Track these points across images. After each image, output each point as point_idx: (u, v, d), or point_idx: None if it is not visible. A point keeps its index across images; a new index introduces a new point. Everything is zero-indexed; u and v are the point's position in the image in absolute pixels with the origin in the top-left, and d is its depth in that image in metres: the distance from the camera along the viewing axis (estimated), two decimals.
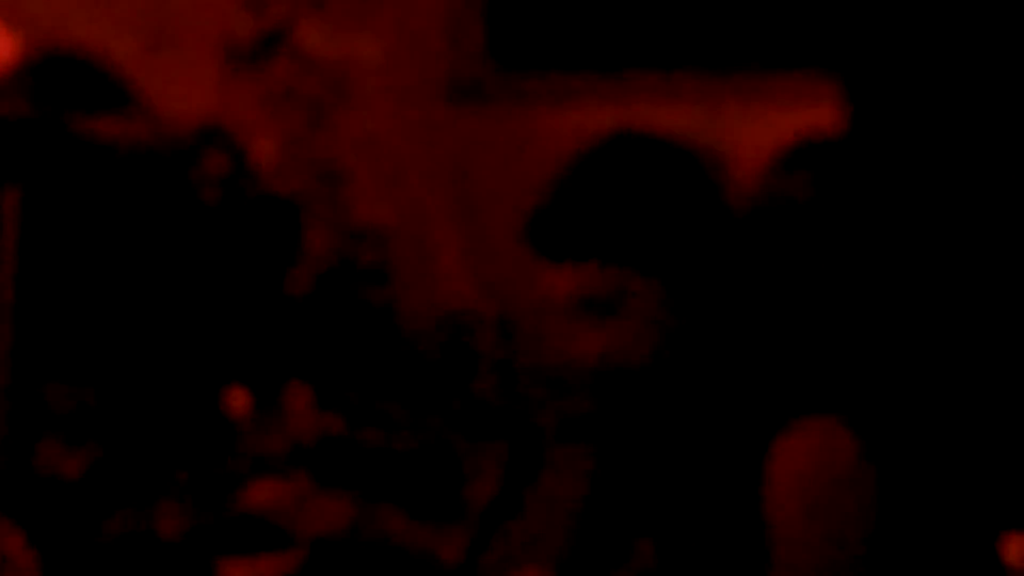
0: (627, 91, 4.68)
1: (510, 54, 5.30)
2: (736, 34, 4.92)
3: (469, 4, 5.17)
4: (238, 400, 3.14)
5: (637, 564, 2.21)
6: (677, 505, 2.17)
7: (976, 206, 2.19)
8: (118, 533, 2.84)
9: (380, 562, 3.41)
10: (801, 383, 2.08)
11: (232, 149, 4.67)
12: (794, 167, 2.82)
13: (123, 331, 2.93)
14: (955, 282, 2.17)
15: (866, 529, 1.99)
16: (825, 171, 2.79)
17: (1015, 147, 1.98)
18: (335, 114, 5.49)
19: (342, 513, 3.50)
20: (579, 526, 2.36)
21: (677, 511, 2.18)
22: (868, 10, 1.96)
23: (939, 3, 1.79)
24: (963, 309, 2.21)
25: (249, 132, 4.77)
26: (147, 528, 2.86)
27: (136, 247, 2.91)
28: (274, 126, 5.32)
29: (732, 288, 2.15)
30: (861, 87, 1.85)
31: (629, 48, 5.13)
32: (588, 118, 2.26)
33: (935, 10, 1.78)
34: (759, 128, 2.95)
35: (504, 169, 5.08)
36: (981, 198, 2.28)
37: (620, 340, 2.09)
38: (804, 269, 2.36)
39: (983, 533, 2.35)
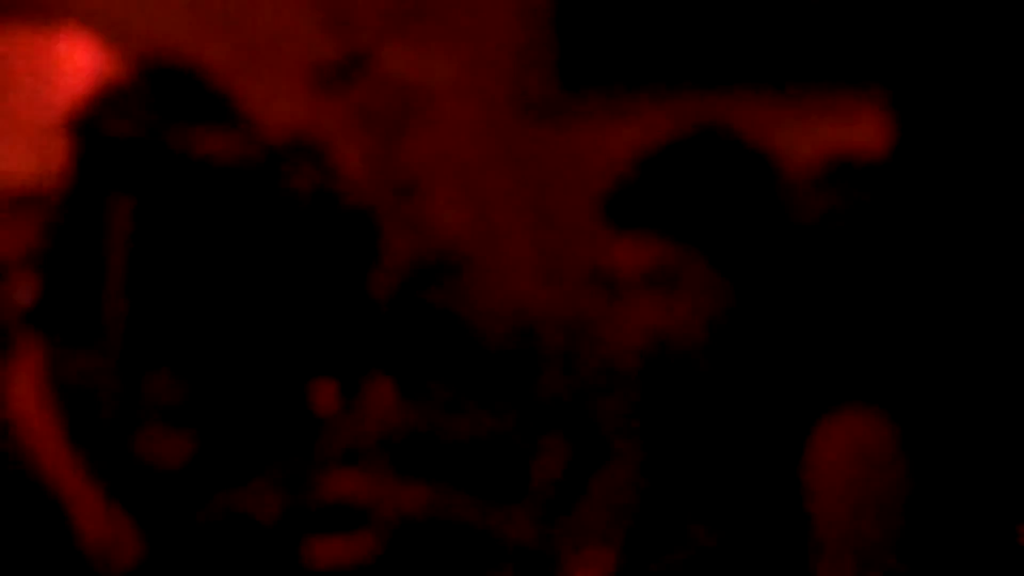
0: (685, 107, 4.64)
1: (576, 73, 5.29)
2: (791, 52, 4.90)
3: (539, 27, 5.12)
4: (325, 393, 3.16)
5: (691, 547, 2.26)
6: (726, 490, 2.21)
7: (1006, 219, 2.22)
8: (215, 516, 2.90)
9: (453, 544, 3.39)
10: (842, 374, 2.09)
11: (319, 162, 4.73)
12: (841, 178, 2.75)
13: (220, 328, 2.94)
14: (988, 290, 2.18)
15: (901, 514, 2.00)
16: (871, 181, 2.74)
17: None
18: (414, 130, 5.51)
19: (419, 498, 3.49)
20: (637, 511, 2.39)
21: (726, 496, 2.21)
22: (919, 33, 1.98)
23: (985, 30, 1.80)
24: (993, 317, 2.24)
25: (335, 146, 4.80)
26: (243, 511, 2.93)
27: (233, 252, 2.94)
28: (358, 141, 5.35)
29: (783, 279, 2.16)
30: (910, 105, 1.88)
31: (687, 66, 5.11)
32: (647, 133, 2.33)
33: (981, 35, 1.80)
34: (810, 140, 3.02)
35: (570, 180, 5.06)
36: (1012, 212, 2.33)
37: (677, 313, 2.13)
38: (849, 271, 2.37)
39: (1008, 522, 2.31)
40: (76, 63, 5.37)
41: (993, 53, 1.80)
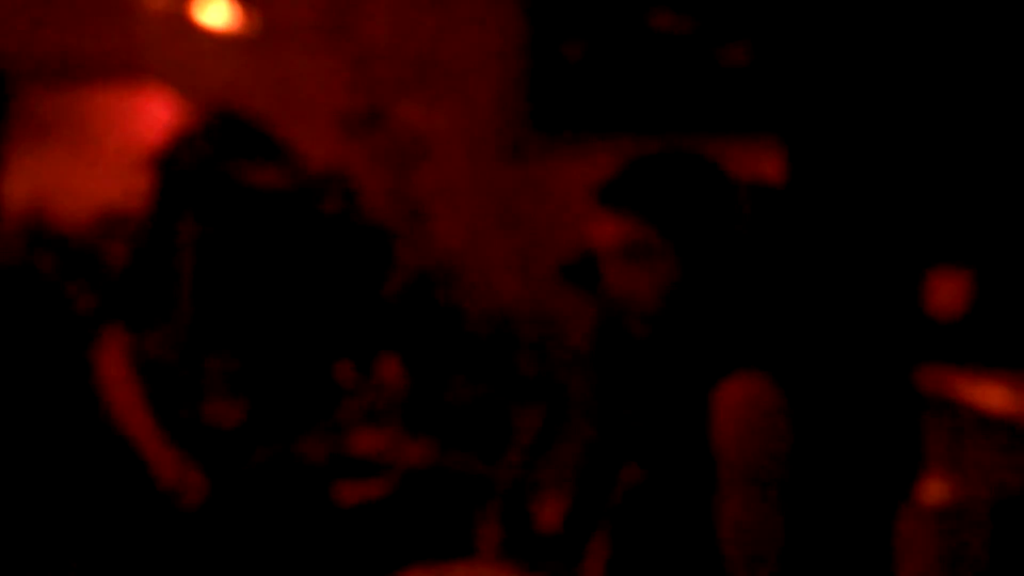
0: (625, 148, 4.53)
1: (543, 123, 5.35)
2: (711, 110, 4.97)
3: (515, 89, 5.12)
4: (347, 370, 3.20)
5: (627, 481, 2.31)
6: (657, 436, 2.23)
7: (868, 227, 2.22)
8: (261, 466, 2.90)
9: (448, 485, 3.42)
10: (739, 348, 2.09)
11: (346, 192, 4.76)
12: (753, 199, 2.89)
13: (267, 318, 2.94)
14: (854, 288, 2.19)
15: (782, 451, 2.01)
16: (769, 199, 2.76)
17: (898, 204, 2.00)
18: (419, 167, 5.54)
19: (421, 450, 3.50)
20: (588, 459, 2.42)
21: (657, 440, 2.23)
22: (809, 96, 2.01)
23: (859, 95, 1.82)
24: (856, 308, 2.25)
25: (359, 179, 4.85)
26: (286, 461, 2.94)
27: (277, 259, 2.93)
28: (376, 175, 5.37)
29: (723, 267, 2.14)
30: (799, 151, 1.88)
31: (627, 118, 5.16)
32: (596, 168, 2.35)
33: (856, 99, 1.82)
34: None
35: (538, 204, 5.11)
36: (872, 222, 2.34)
37: (643, 281, 2.12)
38: (755, 267, 2.32)
39: (866, 460, 2.34)
40: (156, 112, 5.38)
41: (852, 116, 1.81)
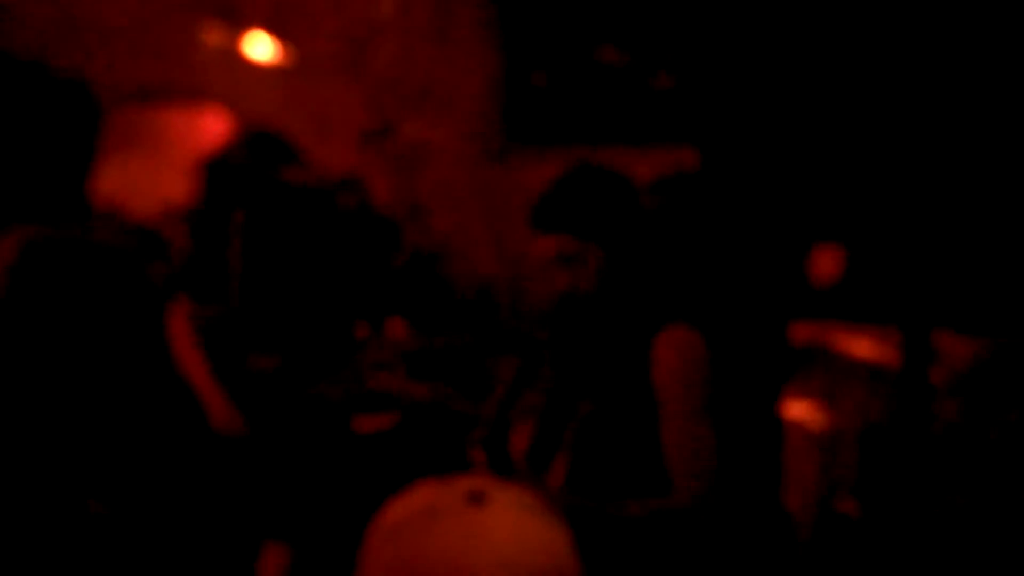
0: (582, 155, 4.48)
1: (515, 135, 5.33)
2: (644, 124, 4.94)
3: (494, 108, 5.15)
4: (362, 328, 3.17)
5: (581, 415, 2.26)
6: (604, 378, 2.20)
7: (769, 214, 2.17)
8: (296, 403, 2.84)
9: (444, 419, 3.33)
10: (671, 307, 2.11)
11: (361, 190, 4.70)
12: (661, 188, 2.76)
13: (299, 289, 2.87)
14: (754, 262, 2.13)
15: (706, 383, 2.04)
16: (684, 189, 2.75)
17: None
18: (420, 171, 5.50)
19: (423, 391, 3.38)
20: (550, 398, 2.38)
21: (604, 381, 2.21)
22: (719, 112, 1.97)
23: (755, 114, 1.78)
24: (755, 278, 2.20)
25: (371, 181, 4.78)
26: (317, 396, 2.88)
27: (307, 243, 2.86)
28: (385, 178, 5.36)
29: (637, 255, 2.17)
30: (710, 154, 1.87)
31: (582, 132, 5.14)
32: (559, 170, 2.30)
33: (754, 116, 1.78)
34: (648, 170, 3.03)
35: (512, 200, 4.79)
36: (774, 211, 2.30)
37: (577, 278, 2.15)
38: (674, 247, 2.37)
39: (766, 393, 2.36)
40: (212, 127, 5.30)
41: (752, 128, 1.76)
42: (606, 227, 2.13)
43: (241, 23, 5.85)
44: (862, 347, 4.14)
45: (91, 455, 1.32)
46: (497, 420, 2.23)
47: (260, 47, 5.60)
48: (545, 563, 0.98)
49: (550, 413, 2.35)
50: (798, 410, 3.70)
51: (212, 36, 5.67)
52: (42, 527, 1.21)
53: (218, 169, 2.80)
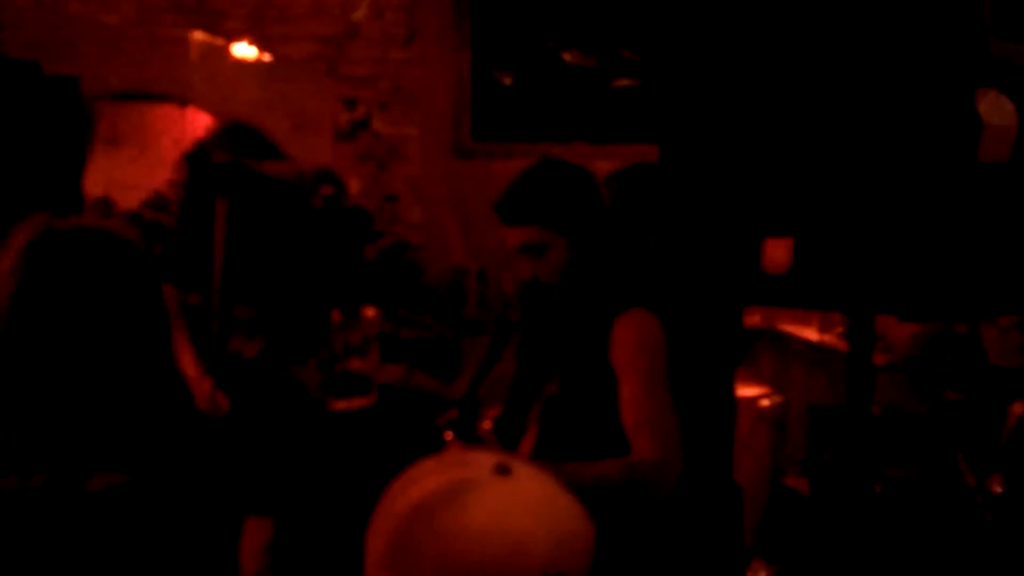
0: (547, 151, 4.53)
1: (483, 132, 5.28)
2: (606, 122, 4.94)
3: (463, 106, 5.14)
4: (337, 315, 3.12)
5: (548, 393, 2.27)
6: (568, 357, 2.20)
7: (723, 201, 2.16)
8: (274, 383, 2.76)
9: (416, 400, 3.40)
10: (630, 293, 2.10)
11: (336, 183, 4.66)
12: (620, 180, 2.74)
13: (278, 276, 2.81)
14: (711, 250, 2.12)
15: (664, 358, 2.03)
16: (647, 179, 2.76)
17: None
18: (392, 165, 5.47)
19: (396, 374, 3.46)
20: (519, 376, 2.37)
21: (568, 362, 2.20)
22: (678, 110, 1.95)
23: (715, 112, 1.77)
24: (711, 265, 2.20)
25: (345, 174, 4.77)
26: (295, 378, 2.80)
27: (285, 232, 2.81)
28: (359, 171, 5.34)
29: (598, 245, 2.15)
30: (669, 151, 1.85)
31: (548, 128, 5.11)
32: (524, 165, 2.29)
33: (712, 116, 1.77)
34: (612, 164, 3.03)
35: (480, 193, 4.91)
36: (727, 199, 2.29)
37: (540, 267, 2.14)
38: (631, 236, 2.35)
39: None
40: (195, 123, 5.27)
41: (709, 127, 1.76)
42: (570, 218, 2.12)
43: (223, 25, 5.82)
44: (809, 331, 4.17)
45: (96, 434, 1.29)
46: (467, 399, 2.19)
47: (242, 49, 5.57)
48: (572, 527, 1.00)
49: (517, 393, 2.33)
50: (749, 390, 3.72)
51: (195, 38, 5.63)
52: (45, 505, 1.19)
53: (200, 160, 2.73)
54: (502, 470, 1.01)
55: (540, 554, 0.95)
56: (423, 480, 1.02)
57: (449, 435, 2.24)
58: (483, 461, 1.03)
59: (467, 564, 0.95)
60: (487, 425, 2.23)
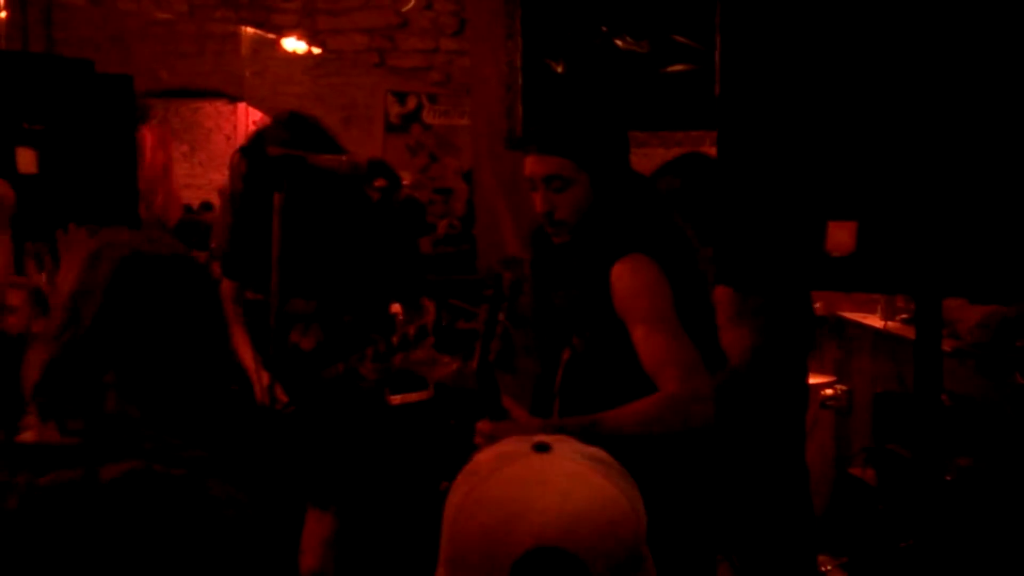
0: None
1: (535, 121, 5.22)
2: (659, 110, 4.90)
3: (513, 100, 5.10)
4: (396, 308, 3.14)
5: (565, 360, 2.21)
6: (579, 313, 2.17)
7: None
8: (332, 376, 2.80)
9: (467, 396, 3.38)
10: (627, 239, 2.10)
11: (390, 174, 4.69)
12: (672, 170, 2.80)
13: (335, 269, 2.83)
14: (774, 233, 2.11)
15: (668, 297, 2.02)
16: (702, 171, 2.78)
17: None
18: (444, 156, 5.51)
19: (449, 367, 3.60)
20: (539, 341, 2.35)
21: (581, 317, 2.17)
22: (734, 96, 1.93)
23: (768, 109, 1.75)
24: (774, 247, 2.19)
25: (398, 166, 4.81)
26: (353, 373, 2.82)
27: (341, 224, 2.82)
28: (411, 162, 5.37)
29: (617, 192, 2.14)
30: (726, 140, 1.84)
31: (601, 117, 5.08)
32: None
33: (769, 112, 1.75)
34: (665, 151, 3.00)
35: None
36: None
37: (562, 202, 2.13)
38: (650, 189, 2.30)
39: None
40: (246, 119, 5.32)
41: (766, 111, 1.73)
42: (600, 158, 2.12)
43: (273, 20, 5.87)
44: (873, 318, 4.12)
45: (162, 431, 1.34)
46: (480, 375, 2.20)
47: (293, 44, 5.62)
48: (595, 507, 0.99)
49: (541, 358, 2.32)
50: (812, 378, 3.68)
51: (246, 33, 5.68)
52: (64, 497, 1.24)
53: (256, 153, 2.75)
54: (540, 448, 1.04)
55: (538, 524, 0.96)
56: (486, 452, 1.08)
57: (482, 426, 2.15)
58: (530, 440, 1.06)
59: (464, 530, 0.99)
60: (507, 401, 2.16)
